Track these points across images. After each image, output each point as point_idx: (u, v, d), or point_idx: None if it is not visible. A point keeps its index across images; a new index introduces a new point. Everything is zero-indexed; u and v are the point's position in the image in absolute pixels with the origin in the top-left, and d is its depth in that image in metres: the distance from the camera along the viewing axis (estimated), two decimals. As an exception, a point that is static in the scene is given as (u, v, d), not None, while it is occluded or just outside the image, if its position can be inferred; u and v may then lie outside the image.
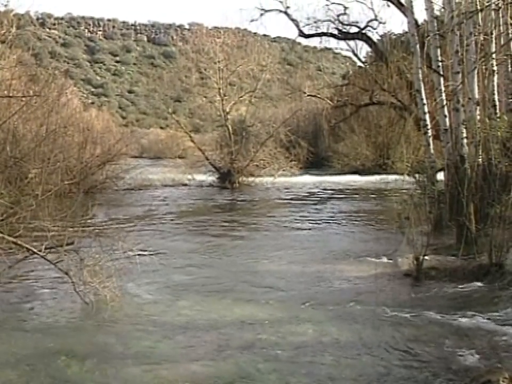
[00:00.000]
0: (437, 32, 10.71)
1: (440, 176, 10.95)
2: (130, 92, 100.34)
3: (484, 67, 10.16)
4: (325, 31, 18.48)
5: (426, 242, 8.07)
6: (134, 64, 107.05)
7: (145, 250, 9.72)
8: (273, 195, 22.36)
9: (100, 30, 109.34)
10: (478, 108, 9.91)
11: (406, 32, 14.02)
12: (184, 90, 32.46)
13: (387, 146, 32.00)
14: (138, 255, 8.25)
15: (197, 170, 27.32)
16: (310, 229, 13.54)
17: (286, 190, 24.04)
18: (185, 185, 26.21)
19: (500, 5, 9.66)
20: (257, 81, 27.89)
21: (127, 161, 25.29)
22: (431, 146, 11.17)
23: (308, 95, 24.04)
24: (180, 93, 33.26)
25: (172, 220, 15.45)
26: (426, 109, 11.17)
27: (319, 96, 23.60)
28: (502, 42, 10.46)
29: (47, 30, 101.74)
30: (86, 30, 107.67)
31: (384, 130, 32.49)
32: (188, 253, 10.59)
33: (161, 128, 66.81)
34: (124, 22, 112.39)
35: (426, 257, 8.05)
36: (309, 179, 28.76)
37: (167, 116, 51.29)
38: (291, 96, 32.74)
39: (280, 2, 19.23)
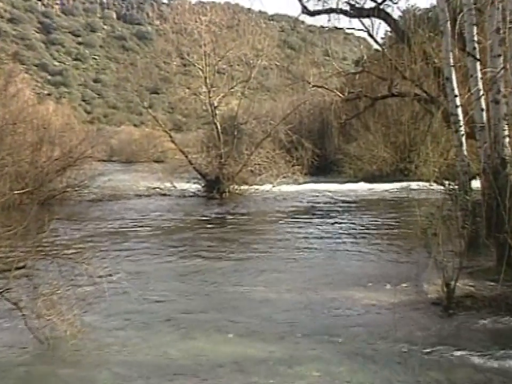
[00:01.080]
0: (473, 6, 10.52)
1: (476, 183, 10.90)
2: (96, 81, 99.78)
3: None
4: (334, 6, 18.37)
5: (459, 265, 8.04)
6: (101, 46, 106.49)
7: (115, 276, 9.67)
8: (272, 207, 22.39)
9: (57, 3, 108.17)
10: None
11: (434, 7, 13.97)
12: (162, 80, 32.45)
13: (409, 147, 32.15)
14: (107, 281, 8.22)
15: (179, 177, 27.40)
16: (315, 249, 13.54)
17: (287, 201, 24.12)
18: (164, 195, 26.27)
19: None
20: (251, 68, 27.89)
21: (93, 166, 25.28)
22: (464, 147, 11.07)
23: (313, 86, 23.93)
24: (157, 83, 33.20)
25: (147, 237, 15.42)
26: (458, 102, 11.05)
27: (326, 87, 23.55)
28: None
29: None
30: (40, 3, 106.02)
31: (406, 128, 32.61)
32: (166, 279, 10.56)
33: (135, 125, 67.12)
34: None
35: (459, 283, 8.05)
36: (314, 187, 28.85)
37: (141, 110, 51.25)
38: (292, 87, 32.73)
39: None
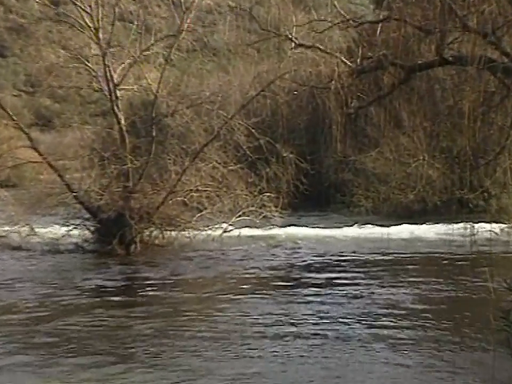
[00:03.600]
0: None
1: None
2: None
3: None
4: None
5: None
6: None
7: None
8: (221, 271, 22.38)
9: None
10: None
11: None
12: (12, 31, 32.17)
13: (477, 158, 32.36)
14: None
15: (46, 215, 27.37)
16: (305, 350, 13.48)
17: (250, 260, 24.22)
18: (18, 248, 26.18)
19: None
20: (183, 13, 27.97)
21: None
22: None
23: (298, 46, 24.04)
24: (2, 36, 32.91)
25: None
26: None
27: (321, 47, 23.71)
28: None
29: None
30: None
31: (469, 123, 32.84)
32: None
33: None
34: None
35: None
36: (301, 233, 29.08)
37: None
38: (260, 49, 32.90)
39: None
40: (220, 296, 19.12)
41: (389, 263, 23.17)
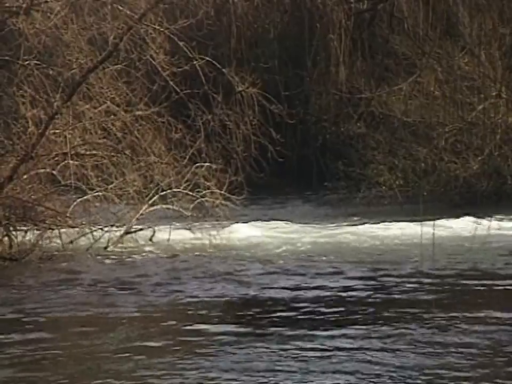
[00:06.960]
0: None
1: None
2: None
3: None
4: None
5: None
6: None
7: None
8: (124, 306, 21.83)
9: None
10: None
11: None
12: None
13: None
14: None
15: None
16: None
17: (174, 286, 23.33)
18: None
19: None
20: None
21: None
22: None
23: None
24: None
25: None
26: None
27: None
28: None
29: None
30: None
31: None
32: None
33: None
34: None
35: None
36: (266, 237, 28.73)
37: None
38: None
39: None
40: (118, 356, 17.68)
41: (431, 293, 22.30)
